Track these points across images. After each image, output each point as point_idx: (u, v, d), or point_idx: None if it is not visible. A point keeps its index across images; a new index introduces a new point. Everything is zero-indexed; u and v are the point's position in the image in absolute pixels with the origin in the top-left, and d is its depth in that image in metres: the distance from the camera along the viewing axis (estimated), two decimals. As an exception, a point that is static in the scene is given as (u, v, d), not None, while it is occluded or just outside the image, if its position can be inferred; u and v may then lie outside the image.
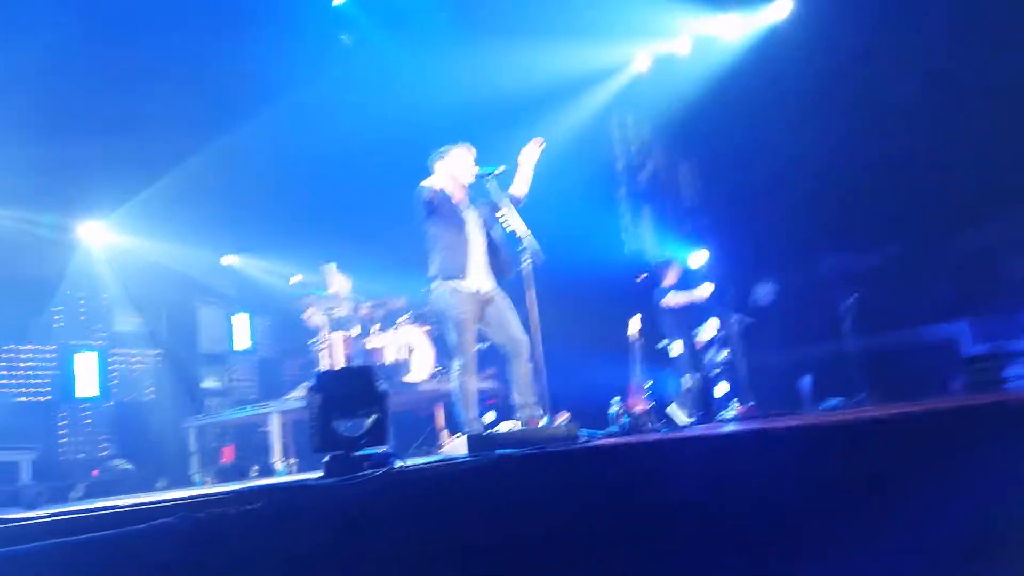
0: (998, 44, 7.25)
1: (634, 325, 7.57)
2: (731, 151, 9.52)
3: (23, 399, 8.01)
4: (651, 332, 8.14)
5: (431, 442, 7.24)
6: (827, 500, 3.25)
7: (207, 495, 3.41)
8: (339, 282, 7.46)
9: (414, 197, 5.08)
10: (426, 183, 5.07)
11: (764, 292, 8.04)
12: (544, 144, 5.39)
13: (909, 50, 7.86)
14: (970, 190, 8.48)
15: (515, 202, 5.30)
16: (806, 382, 7.17)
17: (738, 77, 8.87)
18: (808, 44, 8.25)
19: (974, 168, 8.39)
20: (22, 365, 8.10)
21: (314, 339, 7.30)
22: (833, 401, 6.63)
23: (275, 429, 6.76)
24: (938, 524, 3.09)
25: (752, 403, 7.06)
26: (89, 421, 8.37)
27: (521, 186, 5.38)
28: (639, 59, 9.24)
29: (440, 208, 5.10)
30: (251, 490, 3.44)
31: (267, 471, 6.93)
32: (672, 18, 8.76)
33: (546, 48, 8.04)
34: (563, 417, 5.09)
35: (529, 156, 5.35)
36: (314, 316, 7.20)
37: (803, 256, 8.12)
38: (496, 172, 5.23)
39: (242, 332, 9.48)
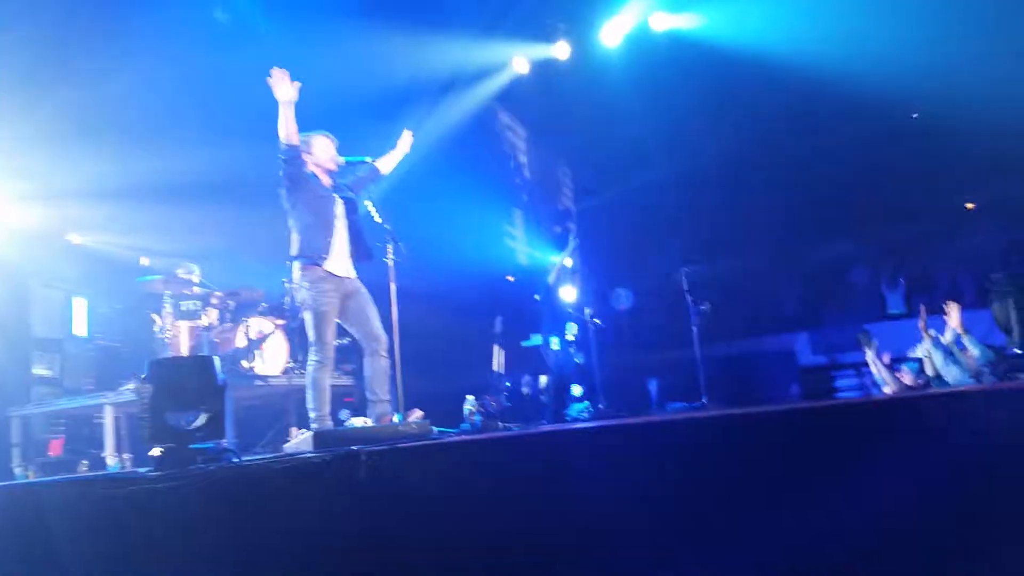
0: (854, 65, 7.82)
1: (498, 325, 7.66)
2: (603, 160, 9.81)
3: None
4: (516, 332, 8.26)
5: (281, 439, 7.01)
6: (665, 496, 3.37)
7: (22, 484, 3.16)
8: (187, 269, 7.10)
9: (285, 160, 4.91)
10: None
11: (620, 297, 8.30)
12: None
13: (777, 75, 8.34)
14: (819, 208, 9.12)
15: (377, 175, 5.49)
16: (653, 385, 7.45)
17: (616, 86, 9.13)
18: (675, 62, 8.59)
19: (826, 186, 9.03)
20: None
21: (158, 328, 6.90)
22: (677, 404, 6.92)
23: (108, 422, 6.37)
24: (770, 525, 3.26)
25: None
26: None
27: (389, 163, 5.56)
28: (519, 61, 9.30)
29: (306, 187, 5.00)
30: (69, 480, 3.21)
31: (98, 466, 6.50)
32: (550, 22, 8.91)
33: (426, 41, 7.97)
34: (416, 414, 5.05)
35: (406, 143, 5.58)
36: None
37: (660, 264, 8.45)
38: (366, 162, 5.39)
39: (81, 317, 8.83)
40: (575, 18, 9.05)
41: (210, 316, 7.03)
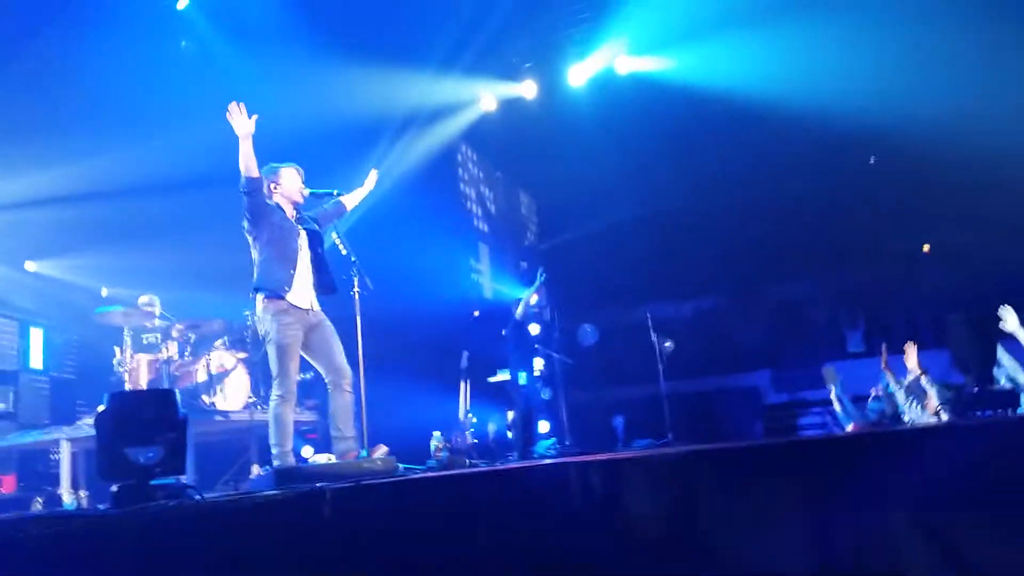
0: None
1: (464, 360, 7.65)
2: (569, 198, 9.93)
3: None
4: (482, 367, 8.24)
5: (242, 475, 6.87)
6: (634, 532, 3.36)
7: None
8: (148, 300, 6.97)
9: (247, 192, 4.87)
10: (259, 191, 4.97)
11: (587, 334, 8.33)
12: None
13: (738, 122, 8.56)
14: (780, 248, 9.30)
15: (342, 210, 5.45)
16: (619, 422, 7.45)
17: (580, 127, 9.28)
18: (638, 103, 8.78)
19: (787, 227, 9.23)
20: None
21: (117, 360, 6.75)
22: (643, 441, 6.92)
23: (64, 457, 6.18)
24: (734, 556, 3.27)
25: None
26: None
27: (354, 200, 5.52)
28: (486, 99, 9.41)
29: (269, 219, 4.96)
30: (24, 519, 3.11)
31: (54, 503, 6.30)
32: (517, 62, 9.06)
33: (392, 77, 8.04)
34: (381, 451, 4.97)
35: (372, 181, 5.56)
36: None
37: (624, 302, 8.52)
38: (333, 194, 5.35)
39: (36, 348, 8.60)
40: (542, 58, 9.21)
41: (170, 349, 6.90)
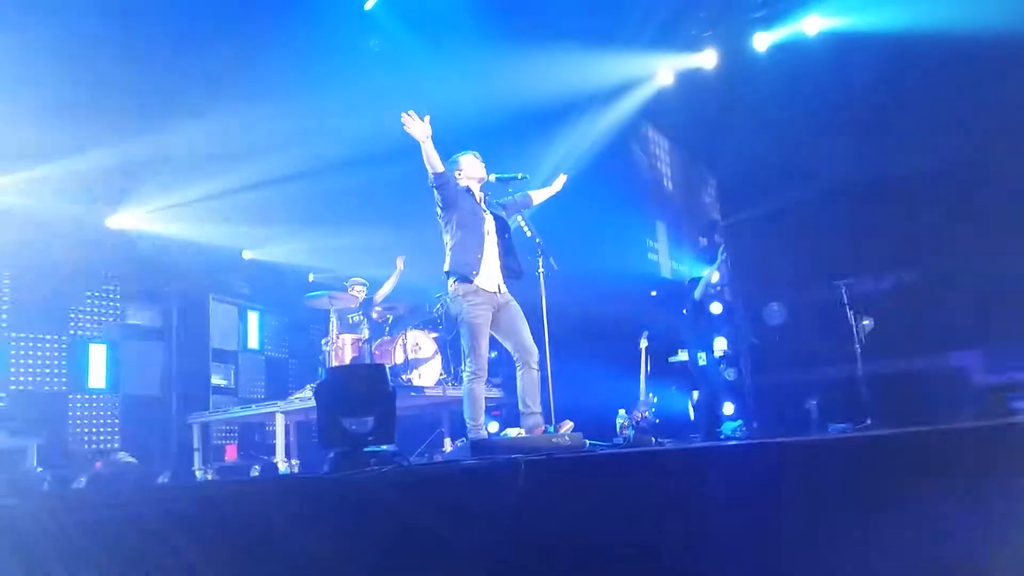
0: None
1: (644, 340, 7.62)
2: (751, 171, 9.54)
3: (39, 388, 8.01)
4: (662, 347, 8.17)
5: (436, 447, 7.25)
6: (823, 514, 3.24)
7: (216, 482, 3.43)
8: (355, 287, 7.51)
9: (437, 187, 5.17)
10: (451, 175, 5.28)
11: (774, 313, 8.02)
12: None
13: (929, 74, 7.87)
14: (992, 218, 8.45)
15: (529, 202, 5.68)
16: (812, 405, 7.12)
17: (762, 95, 8.87)
18: (829, 65, 8.26)
19: (997, 194, 8.36)
20: (39, 354, 8.12)
21: (324, 340, 7.32)
22: (840, 425, 6.57)
23: (279, 429, 6.76)
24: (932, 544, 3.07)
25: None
26: (97, 413, 8.39)
27: (541, 196, 5.81)
28: (663, 72, 9.24)
29: (459, 205, 5.24)
30: (259, 479, 3.47)
31: (269, 471, 6.94)
32: (697, 32, 8.81)
33: (570, 58, 8.07)
34: (567, 426, 5.09)
35: (560, 184, 5.88)
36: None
37: (816, 278, 8.10)
38: (518, 178, 5.51)
39: (252, 330, 9.52)
40: (725, 26, 8.88)
41: (370, 330, 7.41)
